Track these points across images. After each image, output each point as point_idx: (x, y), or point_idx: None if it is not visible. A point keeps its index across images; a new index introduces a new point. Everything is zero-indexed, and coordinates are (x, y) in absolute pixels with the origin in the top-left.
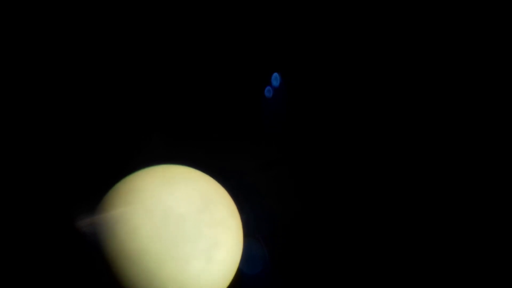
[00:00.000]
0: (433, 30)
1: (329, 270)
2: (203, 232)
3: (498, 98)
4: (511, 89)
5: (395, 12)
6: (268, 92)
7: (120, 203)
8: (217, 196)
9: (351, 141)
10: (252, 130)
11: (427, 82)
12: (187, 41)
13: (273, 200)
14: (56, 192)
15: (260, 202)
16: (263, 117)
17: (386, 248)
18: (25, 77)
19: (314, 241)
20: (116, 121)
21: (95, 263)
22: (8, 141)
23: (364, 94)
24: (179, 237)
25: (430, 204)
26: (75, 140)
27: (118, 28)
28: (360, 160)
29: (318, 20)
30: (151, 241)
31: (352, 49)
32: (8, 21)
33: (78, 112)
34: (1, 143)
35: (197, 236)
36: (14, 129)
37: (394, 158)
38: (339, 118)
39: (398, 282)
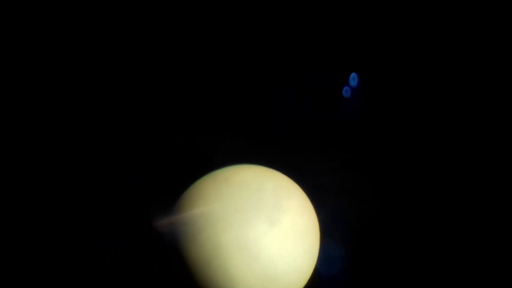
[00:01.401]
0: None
1: (405, 272)
2: (279, 231)
3: None
4: None
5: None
6: (345, 92)
7: (196, 204)
8: (294, 196)
9: (429, 142)
10: (329, 129)
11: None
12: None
13: (350, 201)
14: (135, 193)
15: (337, 203)
16: (340, 117)
17: (465, 253)
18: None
19: (391, 243)
20: (190, 122)
21: (173, 263)
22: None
23: (441, 93)
24: (256, 237)
25: None
26: (153, 140)
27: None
28: (439, 162)
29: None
30: (228, 242)
31: (428, 49)
32: (8, 21)
33: (156, 113)
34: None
35: (284, 259)
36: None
37: (472, 158)
38: (418, 118)
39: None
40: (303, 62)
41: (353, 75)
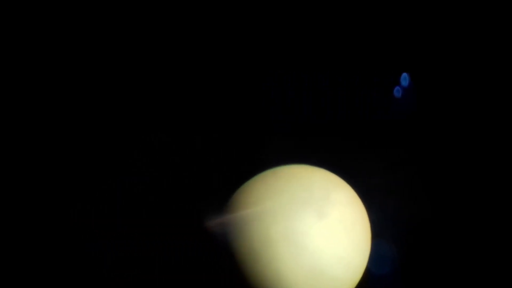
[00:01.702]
0: None
1: (458, 273)
2: (332, 231)
3: None
4: None
5: None
6: (397, 92)
7: (248, 203)
8: (342, 190)
9: (484, 141)
10: (380, 129)
11: None
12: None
13: (402, 201)
14: (187, 193)
15: (389, 203)
16: (392, 116)
17: None
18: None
19: (444, 244)
20: (242, 121)
21: (224, 263)
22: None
23: (495, 92)
24: (304, 230)
25: None
26: (206, 140)
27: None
28: (493, 160)
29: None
30: (276, 235)
31: (480, 47)
32: (8, 21)
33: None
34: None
35: (328, 237)
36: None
37: None
38: (471, 117)
39: None
40: (351, 61)
41: (404, 75)
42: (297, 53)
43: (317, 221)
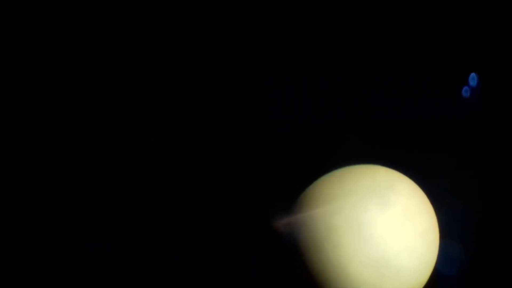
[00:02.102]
0: None
1: None
2: (396, 221)
3: None
4: None
5: None
6: (465, 92)
7: (316, 203)
8: (409, 187)
9: None
10: (449, 129)
11: None
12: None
13: (471, 201)
14: (254, 192)
15: (458, 203)
16: (460, 116)
17: None
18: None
19: None
20: (314, 121)
21: (293, 263)
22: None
23: None
24: (368, 219)
25: None
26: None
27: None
28: None
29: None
30: (340, 224)
31: None
32: (8, 21)
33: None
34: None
35: (396, 241)
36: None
37: None
38: None
39: None
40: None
41: (473, 75)
42: (297, 53)
43: (381, 211)
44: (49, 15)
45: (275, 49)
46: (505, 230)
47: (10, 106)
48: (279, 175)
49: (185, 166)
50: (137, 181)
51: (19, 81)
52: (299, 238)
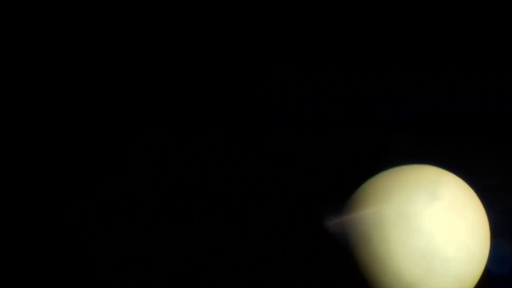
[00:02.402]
0: None
1: None
2: (444, 213)
3: None
4: None
5: None
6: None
7: (368, 203)
8: (461, 192)
9: None
10: (499, 128)
11: None
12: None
13: None
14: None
15: (508, 203)
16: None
17: None
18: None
19: None
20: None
21: (345, 263)
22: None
23: None
24: (416, 212)
25: None
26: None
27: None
28: None
29: None
30: (388, 216)
31: None
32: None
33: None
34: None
35: (443, 233)
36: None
37: None
38: None
39: None
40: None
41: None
42: (297, 53)
43: (429, 204)
44: (49, 15)
45: (275, 49)
46: None
47: (10, 106)
48: (331, 176)
49: (185, 166)
50: (137, 181)
51: (19, 81)
52: (351, 237)
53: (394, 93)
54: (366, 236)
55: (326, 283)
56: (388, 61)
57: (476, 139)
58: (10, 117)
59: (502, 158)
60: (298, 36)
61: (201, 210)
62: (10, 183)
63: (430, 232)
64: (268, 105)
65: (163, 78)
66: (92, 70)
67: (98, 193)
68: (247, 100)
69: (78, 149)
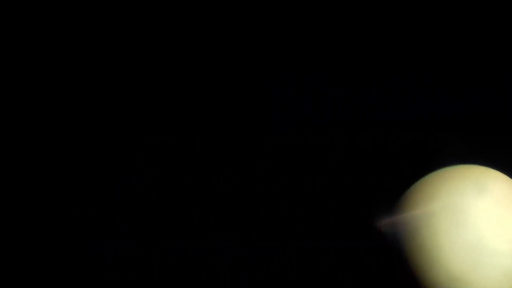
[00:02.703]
0: None
1: None
2: (493, 206)
3: None
4: None
5: None
6: None
7: (420, 202)
8: (510, 188)
9: None
10: None
11: None
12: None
13: None
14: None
15: None
16: None
17: None
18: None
19: None
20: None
21: (396, 263)
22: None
23: None
24: (464, 205)
25: None
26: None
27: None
28: None
29: None
30: (437, 210)
31: None
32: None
33: None
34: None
35: (492, 227)
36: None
37: None
38: None
39: None
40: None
41: None
42: (297, 53)
43: (477, 198)
44: (49, 15)
45: (275, 49)
46: None
47: (10, 106)
48: (381, 175)
49: (185, 166)
50: (137, 181)
51: (19, 81)
52: (403, 237)
53: (394, 93)
54: (416, 234)
55: (326, 283)
56: (388, 61)
57: None
58: (10, 117)
59: None
60: (298, 36)
61: (201, 210)
62: (10, 183)
63: (479, 227)
64: (268, 105)
65: (163, 78)
66: (92, 70)
67: (98, 193)
68: (247, 100)
69: (78, 149)
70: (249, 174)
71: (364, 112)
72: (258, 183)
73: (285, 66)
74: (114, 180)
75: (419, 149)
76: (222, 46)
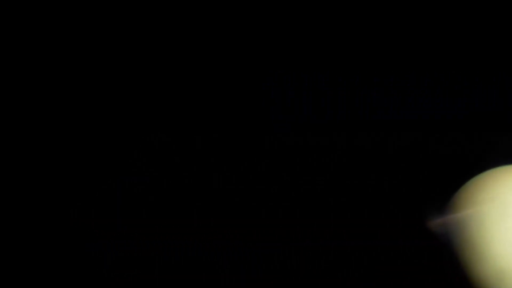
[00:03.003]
0: None
1: None
2: None
3: None
4: None
5: None
6: None
7: (472, 202)
8: None
9: None
10: None
11: None
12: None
13: None
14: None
15: None
16: None
17: None
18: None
19: None
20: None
21: (449, 263)
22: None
23: None
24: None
25: None
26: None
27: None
28: None
29: None
30: (485, 206)
31: None
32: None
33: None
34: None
35: None
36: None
37: None
38: None
39: None
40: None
41: None
42: (297, 53)
43: None
44: (49, 14)
45: (275, 49)
46: None
47: (10, 106)
48: (431, 175)
49: (185, 166)
50: (137, 181)
51: (19, 81)
52: (455, 237)
53: (394, 93)
54: (468, 235)
55: (326, 283)
56: (388, 61)
57: None
58: (10, 117)
59: None
60: (298, 36)
61: (201, 210)
62: (10, 183)
63: None
64: (268, 105)
65: (163, 78)
66: (92, 70)
67: (98, 193)
68: (247, 100)
69: (78, 149)
70: (249, 174)
71: (364, 112)
72: (258, 183)
73: (285, 66)
74: (114, 180)
75: (422, 149)
76: (222, 46)
